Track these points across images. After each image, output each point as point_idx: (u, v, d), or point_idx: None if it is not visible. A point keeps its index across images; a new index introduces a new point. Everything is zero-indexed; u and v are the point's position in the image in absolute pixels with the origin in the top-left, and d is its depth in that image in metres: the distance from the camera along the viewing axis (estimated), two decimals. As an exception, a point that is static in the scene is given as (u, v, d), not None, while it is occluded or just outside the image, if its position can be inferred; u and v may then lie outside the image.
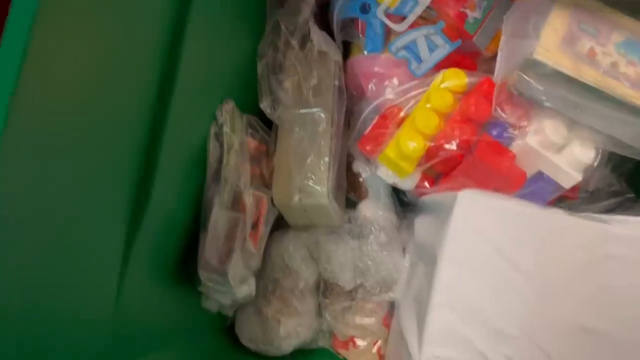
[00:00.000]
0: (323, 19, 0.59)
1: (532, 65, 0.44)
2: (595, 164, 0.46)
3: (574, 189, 0.57)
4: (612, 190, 0.57)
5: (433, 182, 0.51)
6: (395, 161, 0.47)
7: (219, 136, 0.46)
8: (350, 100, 0.61)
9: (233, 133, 0.46)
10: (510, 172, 0.46)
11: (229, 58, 0.50)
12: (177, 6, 0.39)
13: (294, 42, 0.53)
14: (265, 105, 0.51)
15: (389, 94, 0.58)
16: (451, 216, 0.39)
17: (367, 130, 0.51)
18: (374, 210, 0.59)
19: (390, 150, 0.48)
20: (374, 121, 0.51)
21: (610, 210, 0.57)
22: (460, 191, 0.40)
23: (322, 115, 0.53)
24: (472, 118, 0.47)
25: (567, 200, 0.58)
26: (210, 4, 0.43)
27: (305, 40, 0.54)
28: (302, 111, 0.52)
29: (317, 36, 0.55)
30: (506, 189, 0.47)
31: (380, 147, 0.50)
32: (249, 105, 0.52)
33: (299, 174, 0.51)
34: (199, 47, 0.42)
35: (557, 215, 0.40)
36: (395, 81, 0.58)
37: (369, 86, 0.59)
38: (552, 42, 0.44)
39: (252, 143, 0.49)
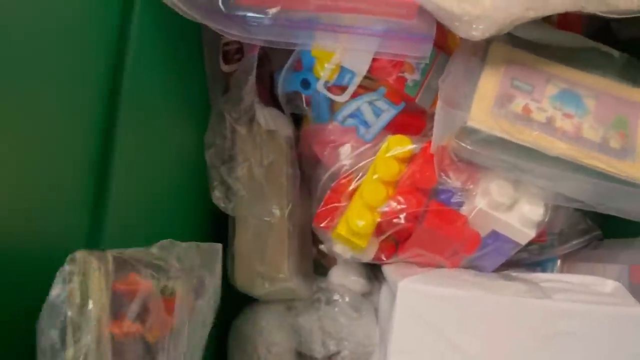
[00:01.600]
0: (272, 91, 0.60)
1: (468, 132, 0.43)
2: (546, 219, 0.46)
3: (542, 233, 0.57)
4: (579, 229, 0.57)
5: (394, 249, 0.51)
6: (348, 238, 0.47)
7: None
8: (309, 167, 0.62)
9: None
10: (463, 236, 0.46)
11: (172, 152, 0.50)
12: (106, 102, 0.39)
13: (240, 128, 0.53)
14: (217, 197, 0.52)
15: (345, 160, 0.59)
16: (394, 307, 0.39)
17: (320, 206, 0.51)
18: (343, 276, 0.59)
19: (341, 228, 0.48)
20: (327, 195, 0.51)
21: (580, 249, 0.57)
22: (401, 282, 0.40)
23: (277, 198, 0.53)
24: (419, 185, 0.47)
25: (536, 243, 0.58)
26: (144, 96, 0.43)
27: (252, 122, 0.54)
28: (256, 197, 0.52)
29: (264, 116, 0.55)
30: (463, 252, 0.47)
31: (333, 222, 0.50)
32: (201, 199, 0.52)
33: (259, 261, 0.52)
34: (134, 142, 0.42)
35: (501, 297, 0.39)
36: (348, 147, 0.59)
37: (324, 154, 0.59)
38: (484, 107, 0.44)
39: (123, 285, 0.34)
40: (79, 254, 0.31)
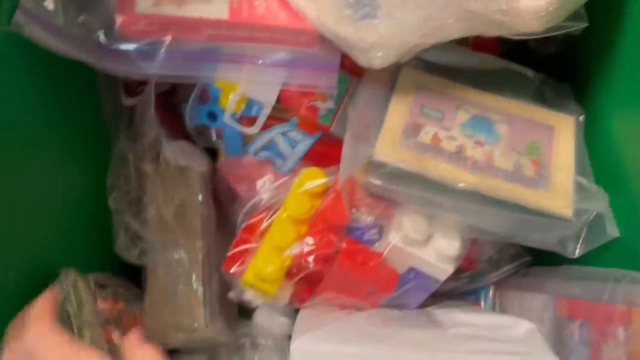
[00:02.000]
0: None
1: (374, 166, 0.41)
2: (464, 252, 0.43)
3: (471, 260, 0.55)
4: (509, 255, 0.55)
5: (310, 291, 0.47)
6: (256, 285, 0.44)
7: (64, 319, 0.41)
8: (229, 203, 0.58)
9: (81, 311, 0.41)
10: (378, 276, 0.43)
11: (58, 197, 0.45)
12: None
13: (146, 167, 0.50)
14: (121, 247, 0.47)
15: (263, 193, 0.56)
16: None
17: (230, 248, 0.47)
18: (268, 317, 0.55)
19: (248, 275, 0.44)
20: (237, 236, 0.48)
21: (511, 275, 0.55)
22: (294, 342, 0.37)
23: (190, 240, 0.49)
24: (330, 223, 0.44)
25: (466, 271, 0.56)
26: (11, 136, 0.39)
27: (159, 159, 0.51)
28: (166, 242, 0.49)
29: (172, 151, 0.52)
30: (379, 293, 0.44)
31: (243, 267, 0.46)
32: (105, 248, 0.48)
33: (172, 311, 0.48)
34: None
35: (397, 353, 0.36)
36: (265, 180, 0.55)
37: (241, 188, 0.56)
38: (390, 138, 0.41)
39: (104, 304, 0.44)
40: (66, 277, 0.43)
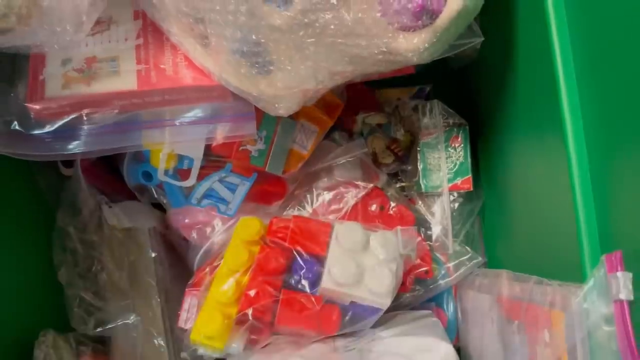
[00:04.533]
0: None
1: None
2: (396, 286, 0.45)
3: (428, 270, 0.56)
4: (464, 259, 0.57)
5: (268, 329, 0.49)
6: (204, 342, 0.45)
7: None
8: (184, 250, 0.59)
9: None
10: (319, 321, 0.44)
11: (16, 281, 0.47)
12: None
13: (91, 236, 0.51)
14: (76, 320, 0.48)
15: (215, 237, 0.57)
16: None
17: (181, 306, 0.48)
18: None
19: (195, 334, 0.45)
20: (185, 292, 0.49)
21: (468, 275, 0.56)
22: None
23: (146, 302, 0.50)
24: (267, 273, 0.45)
25: (423, 280, 0.57)
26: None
27: (102, 225, 0.52)
28: (122, 309, 0.50)
29: (115, 215, 0.53)
30: (324, 333, 0.45)
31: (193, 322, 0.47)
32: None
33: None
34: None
35: None
36: (215, 225, 0.57)
37: (192, 235, 0.57)
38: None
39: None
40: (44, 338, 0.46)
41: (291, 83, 0.38)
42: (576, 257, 0.33)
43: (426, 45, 0.33)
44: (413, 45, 0.33)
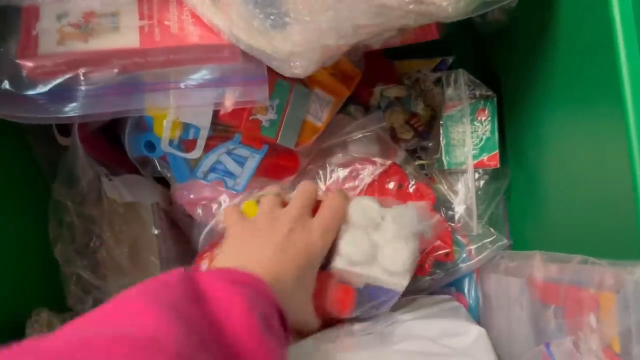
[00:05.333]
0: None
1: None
2: (414, 264, 0.41)
3: (448, 253, 0.53)
4: (487, 241, 0.53)
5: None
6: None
7: None
8: (187, 228, 0.56)
9: None
10: (332, 300, 0.41)
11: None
12: None
13: (89, 210, 0.47)
14: (73, 299, 0.45)
15: (220, 215, 0.53)
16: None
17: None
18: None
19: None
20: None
21: (491, 259, 0.52)
22: None
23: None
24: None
25: (443, 263, 0.54)
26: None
27: (102, 199, 0.48)
28: (122, 288, 0.46)
29: (116, 188, 0.49)
30: (337, 314, 0.42)
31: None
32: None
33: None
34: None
35: None
36: (222, 201, 0.53)
37: (197, 212, 0.54)
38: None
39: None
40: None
41: (310, 37, 0.34)
42: (633, 233, 0.29)
43: (465, -9, 0.29)
44: (451, -9, 0.29)
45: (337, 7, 0.31)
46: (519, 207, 0.52)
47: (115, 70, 0.40)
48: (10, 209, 0.45)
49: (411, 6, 0.31)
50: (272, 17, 0.33)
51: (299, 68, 0.36)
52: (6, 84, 0.38)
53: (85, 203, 0.47)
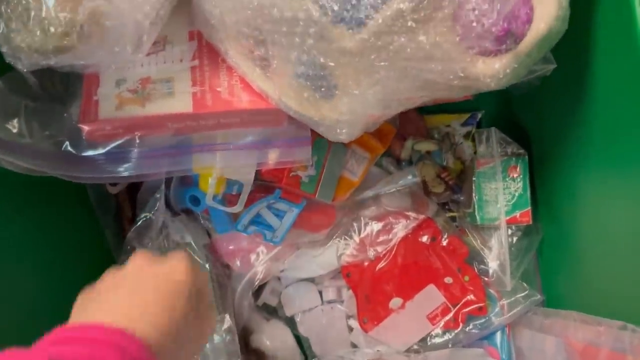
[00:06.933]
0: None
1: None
2: None
3: (482, 308, 0.53)
4: (521, 296, 0.54)
5: None
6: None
7: None
8: (224, 278, 0.58)
9: None
10: None
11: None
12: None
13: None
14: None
15: (258, 266, 0.55)
16: None
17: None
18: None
19: None
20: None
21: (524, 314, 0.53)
22: None
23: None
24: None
25: (478, 317, 0.54)
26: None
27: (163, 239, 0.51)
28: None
29: (178, 230, 0.52)
30: None
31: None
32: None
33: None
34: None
35: None
36: (260, 253, 0.55)
37: (235, 263, 0.55)
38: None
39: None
40: None
41: (357, 108, 0.36)
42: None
43: (507, 70, 0.31)
44: (493, 71, 0.31)
45: (384, 83, 0.33)
46: (552, 264, 0.53)
47: (169, 134, 0.42)
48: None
49: (455, 82, 0.33)
50: (322, 89, 0.36)
51: (344, 134, 0.38)
52: (67, 146, 0.41)
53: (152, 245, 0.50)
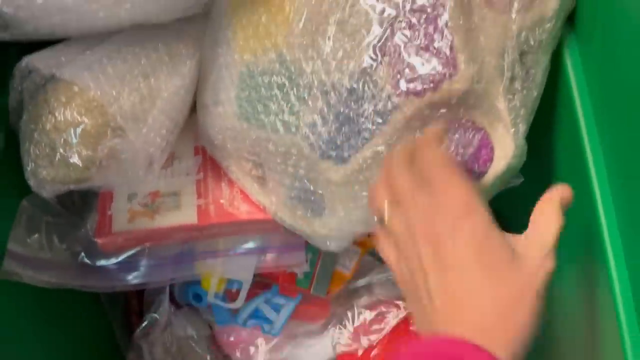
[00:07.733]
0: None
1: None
2: None
3: None
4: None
5: None
6: None
7: None
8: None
9: None
10: None
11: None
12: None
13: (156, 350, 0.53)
14: None
15: (258, 357, 0.58)
16: None
17: None
18: None
19: None
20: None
21: None
22: None
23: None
24: None
25: None
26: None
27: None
28: None
29: (182, 325, 0.55)
30: None
31: None
32: None
33: None
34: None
35: None
36: (259, 344, 0.58)
37: (236, 354, 0.58)
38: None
39: None
40: None
41: (343, 226, 0.40)
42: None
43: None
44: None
45: (367, 207, 0.38)
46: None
47: (175, 243, 0.46)
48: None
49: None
50: (313, 209, 0.40)
51: (333, 246, 0.42)
52: (83, 257, 0.45)
53: (155, 344, 0.53)
